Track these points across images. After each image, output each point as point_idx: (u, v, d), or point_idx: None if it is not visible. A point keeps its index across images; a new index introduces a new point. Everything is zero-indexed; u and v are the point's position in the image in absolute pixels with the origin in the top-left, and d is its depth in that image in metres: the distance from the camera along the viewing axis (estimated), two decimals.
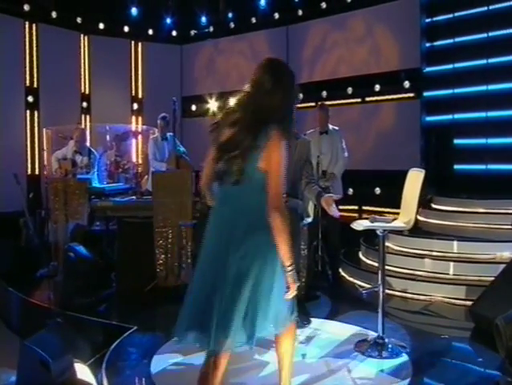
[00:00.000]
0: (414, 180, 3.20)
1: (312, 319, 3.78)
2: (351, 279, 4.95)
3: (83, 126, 6.25)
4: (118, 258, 4.87)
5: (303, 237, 4.08)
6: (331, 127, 5.47)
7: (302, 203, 3.47)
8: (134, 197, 5.39)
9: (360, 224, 3.13)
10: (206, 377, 2.04)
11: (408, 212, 3.19)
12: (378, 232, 3.17)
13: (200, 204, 5.15)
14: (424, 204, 6.02)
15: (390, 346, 3.17)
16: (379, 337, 3.18)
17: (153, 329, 3.77)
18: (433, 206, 5.92)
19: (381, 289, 3.19)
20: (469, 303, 3.91)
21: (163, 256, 4.65)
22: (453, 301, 4.20)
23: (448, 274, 4.45)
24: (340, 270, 5.22)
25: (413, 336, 3.56)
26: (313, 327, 3.67)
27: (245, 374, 2.87)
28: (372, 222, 3.13)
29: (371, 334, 3.34)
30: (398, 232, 4.98)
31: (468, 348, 3.39)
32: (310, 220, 3.64)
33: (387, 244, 5.08)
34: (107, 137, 7.25)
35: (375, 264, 4.77)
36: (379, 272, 3.23)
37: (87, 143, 6.35)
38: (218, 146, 2.10)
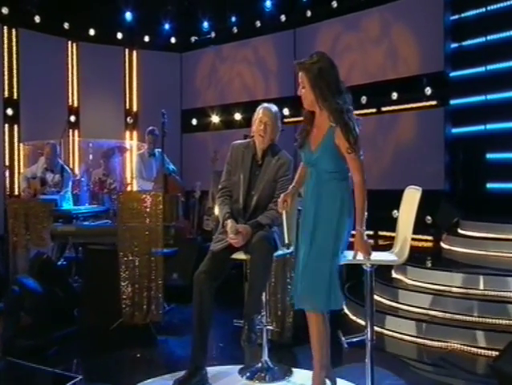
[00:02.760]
0: (410, 200, 2.79)
1: (294, 370, 3.35)
2: (353, 318, 4.48)
3: (53, 141, 6.02)
4: (82, 292, 4.60)
5: (289, 268, 3.77)
6: None
7: (275, 230, 3.16)
8: (109, 221, 5.17)
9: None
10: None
11: (401, 241, 2.78)
12: (364, 266, 2.73)
13: (173, 228, 4.87)
14: (449, 229, 5.72)
15: None
16: None
17: (101, 379, 3.40)
18: (460, 232, 5.55)
19: (368, 338, 2.73)
20: (495, 354, 3.42)
21: (129, 289, 4.32)
22: (475, 350, 3.69)
23: (471, 316, 3.96)
24: (344, 307, 4.76)
25: None
26: (293, 381, 3.23)
27: None
28: None
29: None
30: (413, 261, 4.54)
31: None
32: (289, 249, 3.23)
33: (399, 277, 4.76)
34: (90, 155, 7.11)
35: (386, 301, 4.44)
36: (367, 317, 2.77)
37: (60, 160, 6.13)
38: None
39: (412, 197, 2.80)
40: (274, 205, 3.17)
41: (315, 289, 2.60)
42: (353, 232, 2.67)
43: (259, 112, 3.25)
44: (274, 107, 3.29)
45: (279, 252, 3.15)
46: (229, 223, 3.10)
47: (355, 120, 2.62)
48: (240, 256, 3.14)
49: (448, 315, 4.02)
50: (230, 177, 3.30)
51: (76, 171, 7.77)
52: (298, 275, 2.72)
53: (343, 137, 2.59)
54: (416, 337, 3.95)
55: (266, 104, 3.30)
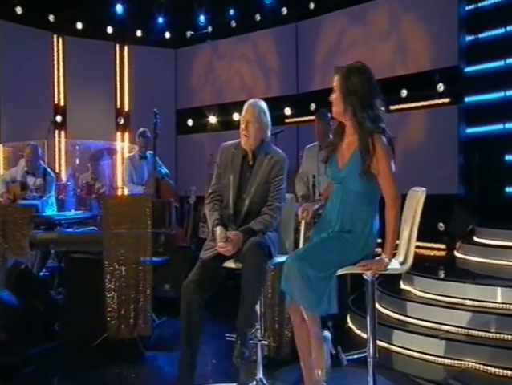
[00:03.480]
0: (413, 203, 2.75)
1: None
2: (358, 333, 4.41)
3: (34, 142, 5.99)
4: (64, 304, 4.57)
5: None
6: None
7: (271, 237, 3.11)
8: (95, 228, 5.18)
9: None
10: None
11: (405, 248, 2.73)
12: (365, 276, 2.69)
13: (163, 235, 4.82)
14: (464, 237, 5.67)
15: None
16: None
17: None
18: (475, 240, 5.50)
19: (371, 354, 2.66)
20: None
21: (115, 301, 4.30)
22: (493, 369, 3.58)
23: (487, 332, 3.87)
24: (348, 321, 4.71)
25: None
26: None
27: None
28: None
29: None
30: (423, 271, 4.59)
31: None
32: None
33: (408, 288, 4.72)
34: (77, 157, 7.10)
35: (393, 314, 4.40)
36: (369, 331, 2.70)
37: (43, 163, 6.10)
38: None
39: (415, 200, 2.75)
40: (267, 209, 3.13)
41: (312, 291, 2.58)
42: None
43: (243, 110, 3.23)
44: (259, 103, 3.25)
45: (274, 260, 3.09)
46: (218, 230, 3.04)
47: (384, 139, 2.59)
48: (231, 264, 3.08)
49: (462, 330, 3.95)
50: (220, 181, 3.27)
51: (63, 174, 7.76)
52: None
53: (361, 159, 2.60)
54: (427, 354, 3.87)
55: (251, 100, 3.27)
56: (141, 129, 6.52)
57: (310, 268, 2.54)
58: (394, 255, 2.75)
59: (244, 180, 3.20)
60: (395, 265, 2.73)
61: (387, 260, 2.60)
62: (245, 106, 3.24)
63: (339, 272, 2.63)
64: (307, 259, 2.56)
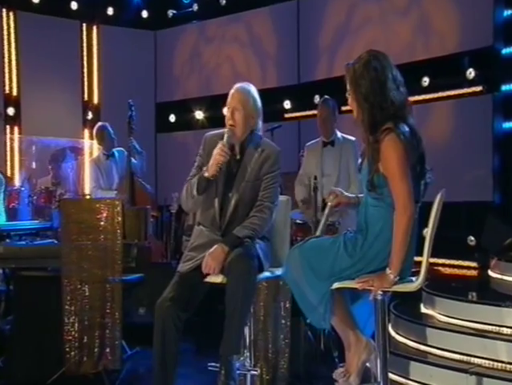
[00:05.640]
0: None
1: None
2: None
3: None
4: (11, 334, 4.64)
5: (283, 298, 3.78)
6: (339, 134, 5.30)
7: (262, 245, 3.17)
8: (54, 240, 5.17)
9: None
10: None
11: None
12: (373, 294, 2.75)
13: (136, 247, 4.85)
14: (499, 252, 5.66)
15: None
16: None
17: None
18: None
19: None
20: None
21: (76, 327, 4.31)
22: None
23: None
24: None
25: None
26: None
27: None
28: None
29: None
30: (449, 292, 4.60)
31: None
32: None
33: (430, 312, 4.72)
34: (34, 160, 7.11)
35: (411, 343, 4.38)
36: (379, 361, 2.77)
37: None
38: None
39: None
40: (256, 211, 3.18)
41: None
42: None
43: (228, 96, 3.30)
44: (248, 87, 3.33)
45: (266, 274, 3.13)
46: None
47: (393, 136, 2.68)
48: (214, 279, 3.09)
49: (497, 365, 3.92)
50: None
51: (16, 178, 7.74)
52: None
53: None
54: None
55: (237, 84, 3.34)
56: (100, 123, 6.58)
57: (311, 269, 2.73)
58: None
59: (230, 176, 3.26)
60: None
61: (392, 276, 2.66)
62: (232, 91, 3.31)
63: (335, 285, 2.73)
64: (312, 260, 2.75)
